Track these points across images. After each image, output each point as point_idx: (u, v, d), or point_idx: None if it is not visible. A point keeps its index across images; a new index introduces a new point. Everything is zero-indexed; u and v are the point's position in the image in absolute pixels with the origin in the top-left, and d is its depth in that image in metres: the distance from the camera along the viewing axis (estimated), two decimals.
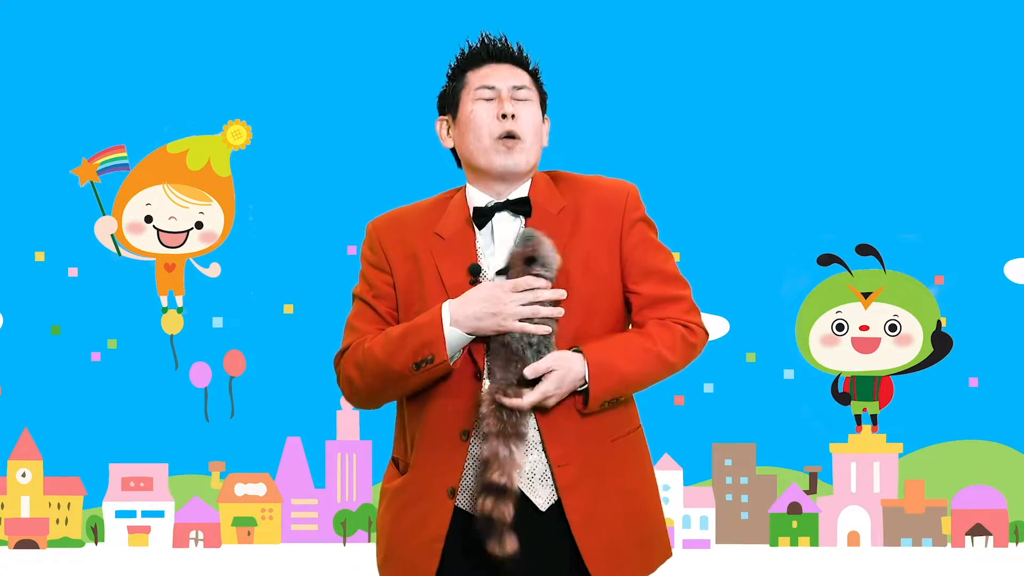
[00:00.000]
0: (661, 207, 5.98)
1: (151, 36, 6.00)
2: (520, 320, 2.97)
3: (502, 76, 3.11)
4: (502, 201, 3.10)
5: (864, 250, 6.00)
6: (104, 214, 6.03)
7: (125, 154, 6.03)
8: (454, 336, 2.99)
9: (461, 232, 3.10)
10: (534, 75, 3.14)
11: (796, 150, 6.00)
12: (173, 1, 6.00)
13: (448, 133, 3.18)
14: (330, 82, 6.01)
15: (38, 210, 6.01)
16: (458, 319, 2.99)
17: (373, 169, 6.01)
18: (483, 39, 3.17)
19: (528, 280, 2.98)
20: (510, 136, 3.08)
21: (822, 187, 6.00)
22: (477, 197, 3.12)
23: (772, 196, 6.00)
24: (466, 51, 3.17)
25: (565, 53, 5.97)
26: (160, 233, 6.04)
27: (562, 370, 2.97)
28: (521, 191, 3.11)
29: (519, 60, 3.14)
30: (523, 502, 3.02)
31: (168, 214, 6.04)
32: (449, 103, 3.18)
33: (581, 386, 3.00)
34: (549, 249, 2.98)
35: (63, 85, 5.99)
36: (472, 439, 3.03)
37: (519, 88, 3.11)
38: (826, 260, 6.01)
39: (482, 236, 3.10)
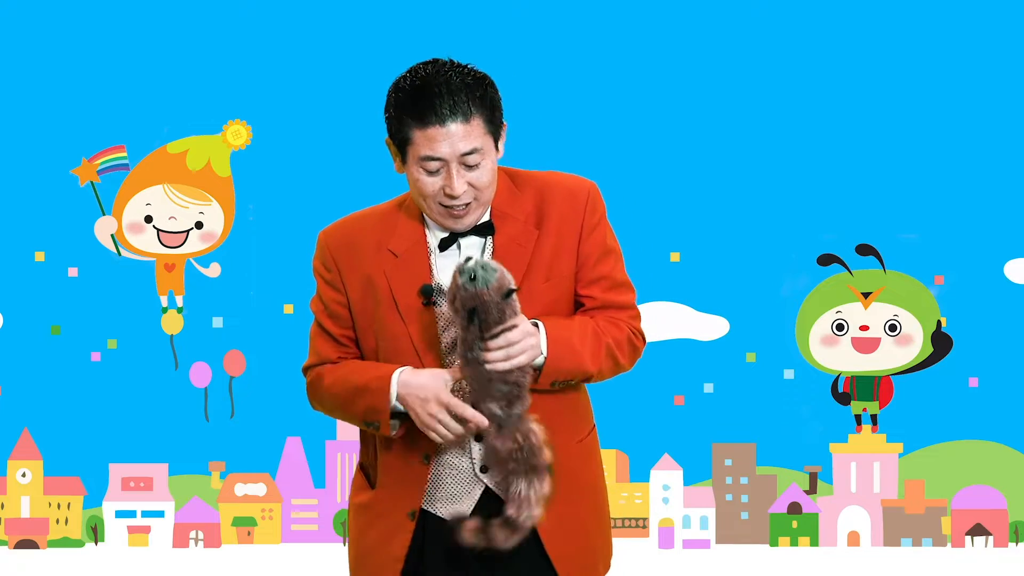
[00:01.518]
0: (661, 207, 6.00)
1: (151, 36, 6.00)
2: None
3: (450, 142, 2.92)
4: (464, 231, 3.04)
5: (864, 250, 6.00)
6: (104, 214, 6.03)
7: (125, 154, 6.03)
8: (398, 410, 2.99)
9: (414, 249, 3.04)
10: (487, 106, 2.95)
11: (796, 150, 6.00)
12: (173, 1, 6.00)
13: (396, 161, 3.06)
14: (330, 82, 6.01)
15: (38, 210, 6.01)
16: (400, 395, 2.97)
17: (373, 169, 6.00)
18: (426, 88, 2.93)
19: (468, 414, 2.92)
20: (460, 205, 2.97)
21: (822, 187, 6.00)
22: (436, 229, 3.04)
23: (772, 196, 6.00)
24: (408, 91, 2.96)
25: (564, 52, 5.97)
26: (160, 233, 6.04)
27: (522, 333, 2.92)
28: (484, 216, 3.03)
29: (469, 111, 2.92)
30: (498, 504, 3.03)
31: (168, 214, 6.04)
32: (395, 140, 3.02)
33: (536, 359, 2.95)
34: (506, 274, 2.87)
35: (63, 85, 5.99)
36: (433, 462, 3.04)
37: (470, 153, 2.93)
38: (826, 260, 6.01)
39: (445, 253, 3.04)
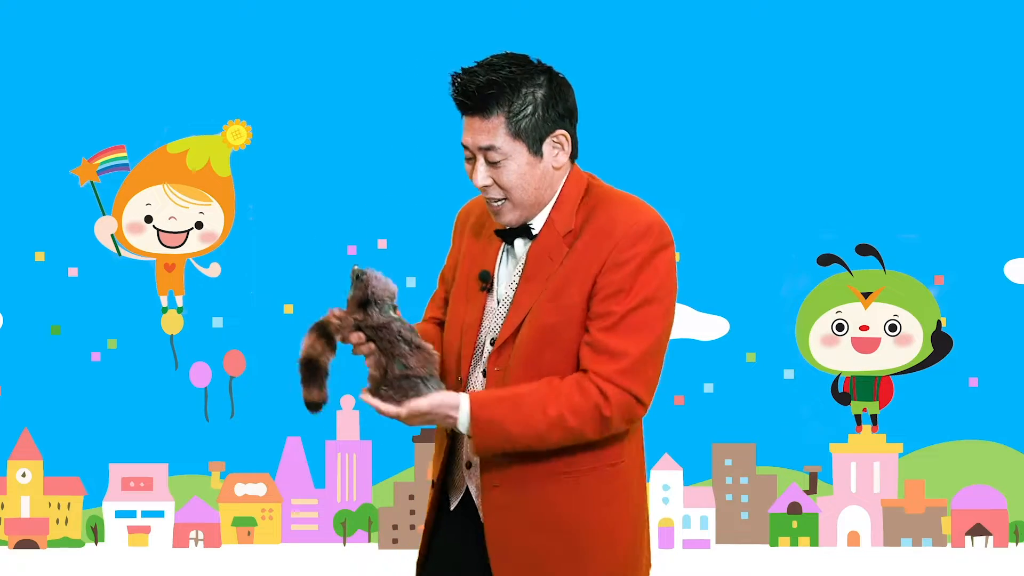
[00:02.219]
0: (661, 207, 5.98)
1: (151, 36, 6.00)
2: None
3: (472, 134, 2.98)
4: (518, 227, 3.06)
5: (864, 250, 6.00)
6: (104, 214, 6.03)
7: (125, 154, 6.03)
8: None
9: (494, 238, 3.09)
10: (514, 108, 2.97)
11: (796, 150, 6.00)
12: (173, 1, 6.00)
13: None
14: (330, 82, 6.01)
15: (38, 210, 6.01)
16: None
17: (373, 169, 6.01)
18: (461, 77, 2.99)
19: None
20: (490, 200, 3.02)
21: (822, 187, 6.00)
22: None
23: (772, 196, 6.00)
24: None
25: (563, 52, 5.96)
26: (160, 233, 6.04)
27: (434, 415, 2.95)
28: (539, 217, 3.04)
29: (485, 108, 2.96)
30: (474, 513, 3.06)
31: (168, 214, 6.04)
32: None
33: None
34: (377, 283, 2.97)
35: (63, 85, 5.99)
36: (449, 437, 3.08)
37: (487, 149, 2.96)
38: (826, 260, 6.01)
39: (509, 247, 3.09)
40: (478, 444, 2.92)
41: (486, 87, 2.95)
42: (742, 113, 5.99)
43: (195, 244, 6.05)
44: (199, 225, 6.04)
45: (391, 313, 2.96)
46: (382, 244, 5.99)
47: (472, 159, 3.00)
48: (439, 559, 3.09)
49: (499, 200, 3.00)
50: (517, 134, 2.97)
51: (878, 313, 6.02)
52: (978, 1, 5.97)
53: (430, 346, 2.98)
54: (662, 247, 2.97)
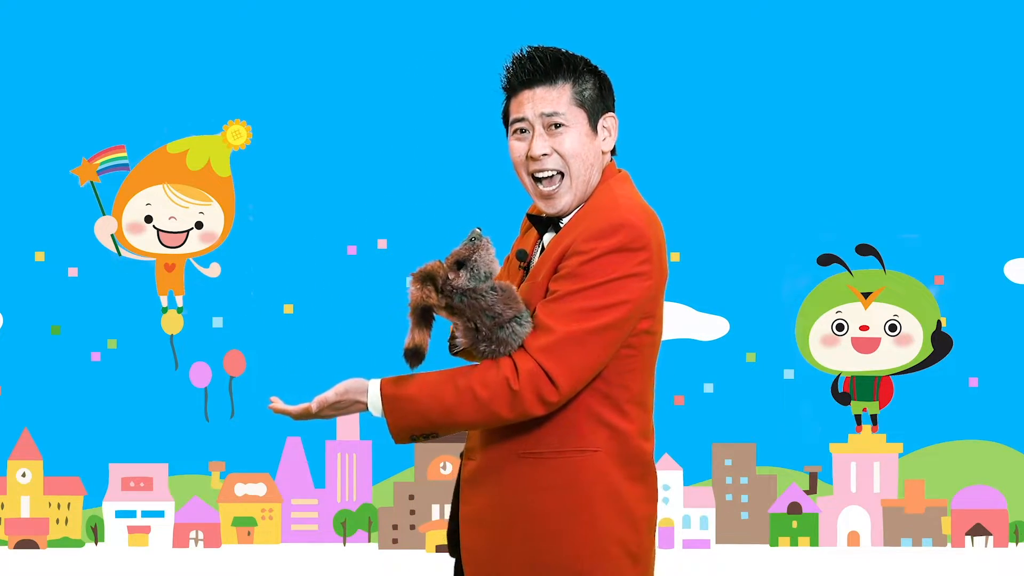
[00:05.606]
0: (661, 207, 5.99)
1: (151, 36, 6.00)
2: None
3: (533, 103, 2.98)
4: (546, 217, 3.06)
5: (864, 250, 6.00)
6: (104, 214, 6.03)
7: (125, 154, 6.03)
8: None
9: (533, 230, 3.13)
10: (579, 81, 3.00)
11: (796, 150, 6.00)
12: (173, 1, 6.00)
13: None
14: (330, 83, 6.01)
15: (38, 210, 6.01)
16: None
17: (373, 169, 6.01)
18: (513, 61, 3.00)
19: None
20: (545, 177, 3.00)
21: (822, 187, 6.00)
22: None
23: (772, 196, 6.01)
24: (507, 69, 3.03)
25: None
26: (160, 233, 6.04)
27: (343, 401, 2.99)
28: (574, 211, 3.04)
29: (553, 76, 2.99)
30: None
31: (168, 214, 6.04)
32: (504, 123, 3.10)
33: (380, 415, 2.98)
34: (484, 256, 2.94)
35: (63, 85, 5.99)
36: None
37: (551, 115, 2.98)
38: (826, 260, 6.01)
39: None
40: (392, 424, 2.93)
41: (555, 56, 2.98)
42: (742, 114, 6.00)
43: (195, 244, 6.05)
44: (199, 225, 6.05)
45: (481, 284, 2.93)
46: (382, 244, 5.99)
47: (523, 133, 3.00)
48: (452, 522, 3.12)
49: (555, 172, 2.99)
50: (582, 103, 2.99)
51: (878, 313, 6.02)
52: (978, 1, 5.97)
53: (511, 286, 2.97)
54: (624, 249, 2.95)
